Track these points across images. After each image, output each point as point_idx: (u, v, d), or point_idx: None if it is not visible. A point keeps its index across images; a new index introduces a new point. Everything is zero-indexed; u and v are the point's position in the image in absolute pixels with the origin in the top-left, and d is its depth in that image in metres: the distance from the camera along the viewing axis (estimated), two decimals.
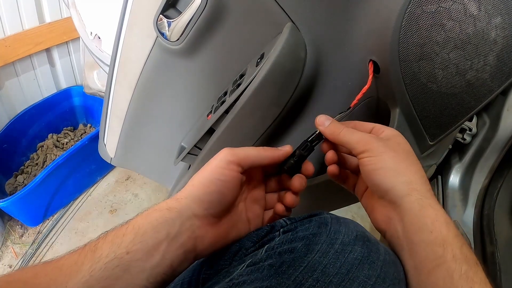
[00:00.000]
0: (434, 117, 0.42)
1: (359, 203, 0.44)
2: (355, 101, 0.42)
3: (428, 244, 0.31)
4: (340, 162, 0.43)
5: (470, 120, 0.73)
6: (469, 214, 0.70)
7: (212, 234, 0.35)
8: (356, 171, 0.42)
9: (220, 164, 0.35)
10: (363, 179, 0.37)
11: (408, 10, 0.36)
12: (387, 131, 0.38)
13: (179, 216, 0.33)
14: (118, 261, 0.30)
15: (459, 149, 0.77)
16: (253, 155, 0.37)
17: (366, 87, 0.41)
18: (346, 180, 0.44)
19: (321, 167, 0.54)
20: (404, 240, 0.34)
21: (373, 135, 0.37)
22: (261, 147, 0.39)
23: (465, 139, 0.74)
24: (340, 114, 0.42)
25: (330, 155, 0.41)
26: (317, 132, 0.41)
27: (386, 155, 0.35)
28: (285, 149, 0.40)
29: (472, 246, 0.64)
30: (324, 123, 0.40)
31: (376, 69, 0.42)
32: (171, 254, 0.32)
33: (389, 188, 0.34)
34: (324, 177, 0.54)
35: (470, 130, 0.73)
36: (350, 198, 0.67)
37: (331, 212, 0.39)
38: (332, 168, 0.42)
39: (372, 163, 0.35)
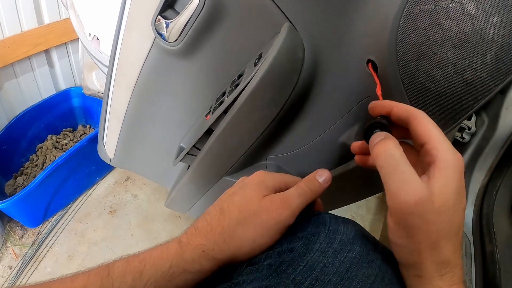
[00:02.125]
0: (432, 116, 0.42)
1: (358, 203, 0.44)
2: (380, 98, 0.39)
3: None
4: None
5: (469, 119, 0.73)
6: (468, 213, 0.70)
7: None
8: None
9: (281, 229, 0.33)
10: None
11: (406, 9, 0.36)
12: (445, 172, 0.27)
13: (211, 272, 0.33)
14: None
15: (458, 148, 0.77)
16: (302, 205, 0.34)
17: (378, 87, 0.40)
18: None
19: (335, 158, 0.54)
20: None
21: (426, 194, 0.27)
22: (300, 187, 0.35)
23: (464, 138, 0.74)
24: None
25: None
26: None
27: (417, 236, 0.28)
28: (325, 178, 0.36)
29: (472, 245, 0.64)
30: (374, 140, 0.31)
31: (374, 69, 0.42)
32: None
33: (397, 260, 0.31)
34: (336, 171, 0.53)
35: (469, 129, 0.73)
36: (351, 198, 0.67)
37: (330, 211, 0.39)
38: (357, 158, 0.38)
39: (392, 234, 0.30)
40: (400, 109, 0.32)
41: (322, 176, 0.36)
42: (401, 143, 0.31)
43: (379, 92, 0.40)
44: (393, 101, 0.34)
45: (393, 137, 0.31)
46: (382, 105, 0.34)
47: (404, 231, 0.28)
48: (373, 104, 0.35)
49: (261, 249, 0.33)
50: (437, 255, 0.28)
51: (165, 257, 0.30)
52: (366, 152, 0.37)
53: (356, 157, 0.38)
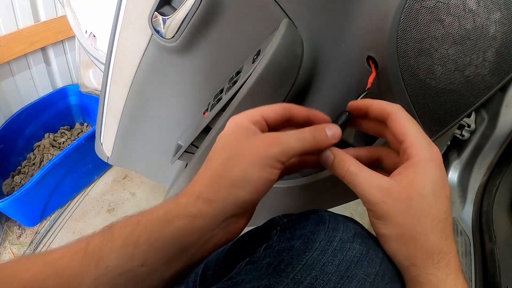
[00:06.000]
0: (432, 113, 0.42)
1: (358, 200, 0.43)
2: (368, 85, 0.39)
3: None
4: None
5: (469, 116, 0.73)
6: (468, 211, 0.70)
7: (245, 222, 0.32)
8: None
9: (270, 163, 0.29)
10: None
11: (407, 5, 0.35)
12: (417, 169, 0.29)
13: (213, 221, 0.29)
14: (131, 275, 0.26)
15: (457, 145, 0.77)
16: (298, 149, 0.31)
17: (372, 75, 0.40)
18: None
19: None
20: None
21: (392, 183, 0.29)
22: (303, 132, 0.32)
23: (463, 136, 0.74)
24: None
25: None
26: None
27: (395, 221, 0.29)
28: (334, 133, 0.32)
29: (471, 243, 0.64)
30: (328, 159, 0.33)
31: (374, 67, 0.42)
32: (200, 256, 0.29)
33: (390, 255, 0.32)
34: (326, 173, 0.53)
35: (469, 126, 0.73)
36: (350, 196, 0.67)
37: (328, 209, 0.38)
38: None
39: (375, 227, 0.32)
40: (375, 109, 0.33)
41: (331, 130, 0.32)
42: (378, 149, 0.35)
43: (370, 80, 0.39)
44: (370, 100, 0.34)
45: (340, 151, 0.33)
46: (358, 107, 0.35)
47: (381, 220, 0.30)
48: (350, 105, 0.35)
49: (260, 182, 0.29)
50: (424, 241, 0.29)
51: (161, 205, 0.30)
52: None
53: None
